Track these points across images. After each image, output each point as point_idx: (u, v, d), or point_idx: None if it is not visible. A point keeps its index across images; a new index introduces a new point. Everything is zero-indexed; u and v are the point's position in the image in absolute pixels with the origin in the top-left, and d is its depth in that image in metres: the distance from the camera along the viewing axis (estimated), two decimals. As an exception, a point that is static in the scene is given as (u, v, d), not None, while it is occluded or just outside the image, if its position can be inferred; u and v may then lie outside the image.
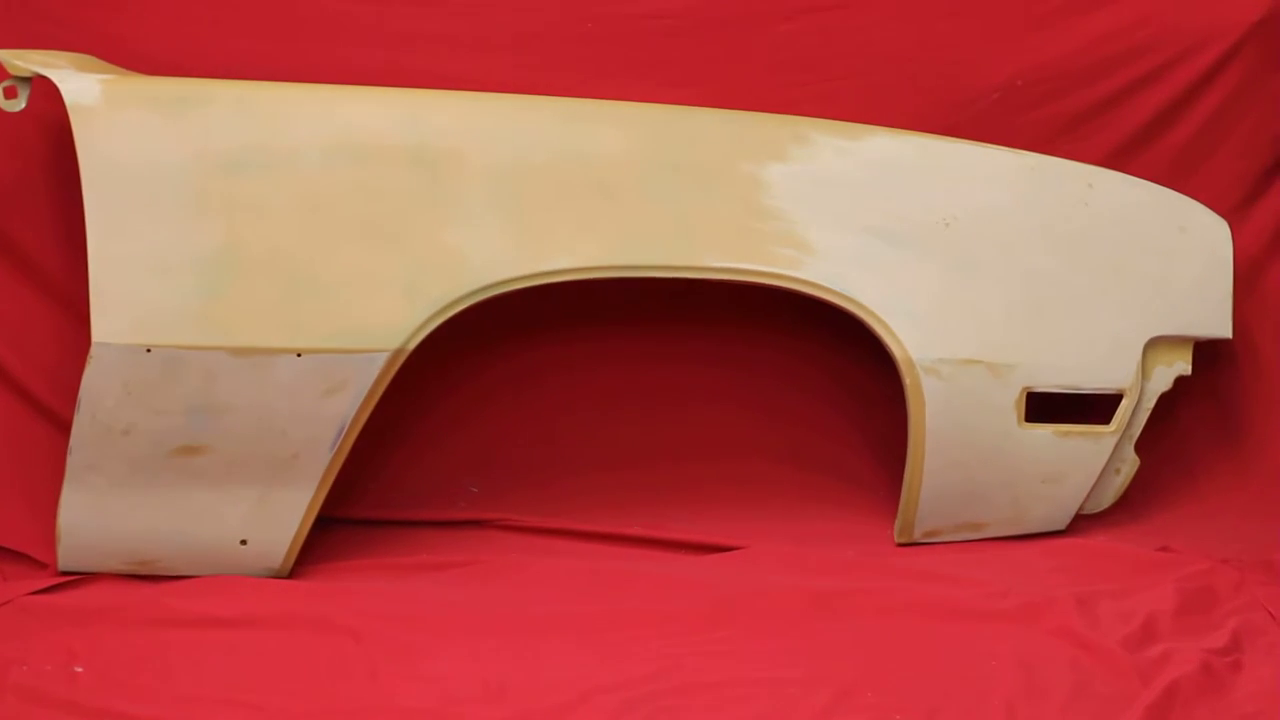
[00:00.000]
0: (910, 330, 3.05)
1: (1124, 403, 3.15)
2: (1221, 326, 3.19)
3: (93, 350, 2.81)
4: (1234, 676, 2.65)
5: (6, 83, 2.89)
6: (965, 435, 3.09)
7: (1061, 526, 3.21)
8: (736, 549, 3.13)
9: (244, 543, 2.96)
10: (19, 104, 2.89)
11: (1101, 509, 3.25)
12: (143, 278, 2.82)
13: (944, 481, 3.12)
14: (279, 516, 2.95)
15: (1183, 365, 3.19)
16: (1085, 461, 3.16)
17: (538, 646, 2.74)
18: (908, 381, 3.06)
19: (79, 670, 2.64)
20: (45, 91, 2.89)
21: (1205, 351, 3.26)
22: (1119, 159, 3.33)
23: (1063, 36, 3.35)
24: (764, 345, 3.43)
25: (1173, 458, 3.37)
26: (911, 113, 3.29)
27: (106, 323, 2.81)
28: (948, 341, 3.06)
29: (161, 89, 2.91)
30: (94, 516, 2.91)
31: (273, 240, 2.86)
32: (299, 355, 2.86)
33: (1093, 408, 3.16)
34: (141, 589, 2.91)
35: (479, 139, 2.96)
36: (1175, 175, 3.32)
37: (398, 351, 2.89)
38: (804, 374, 3.44)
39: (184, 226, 2.83)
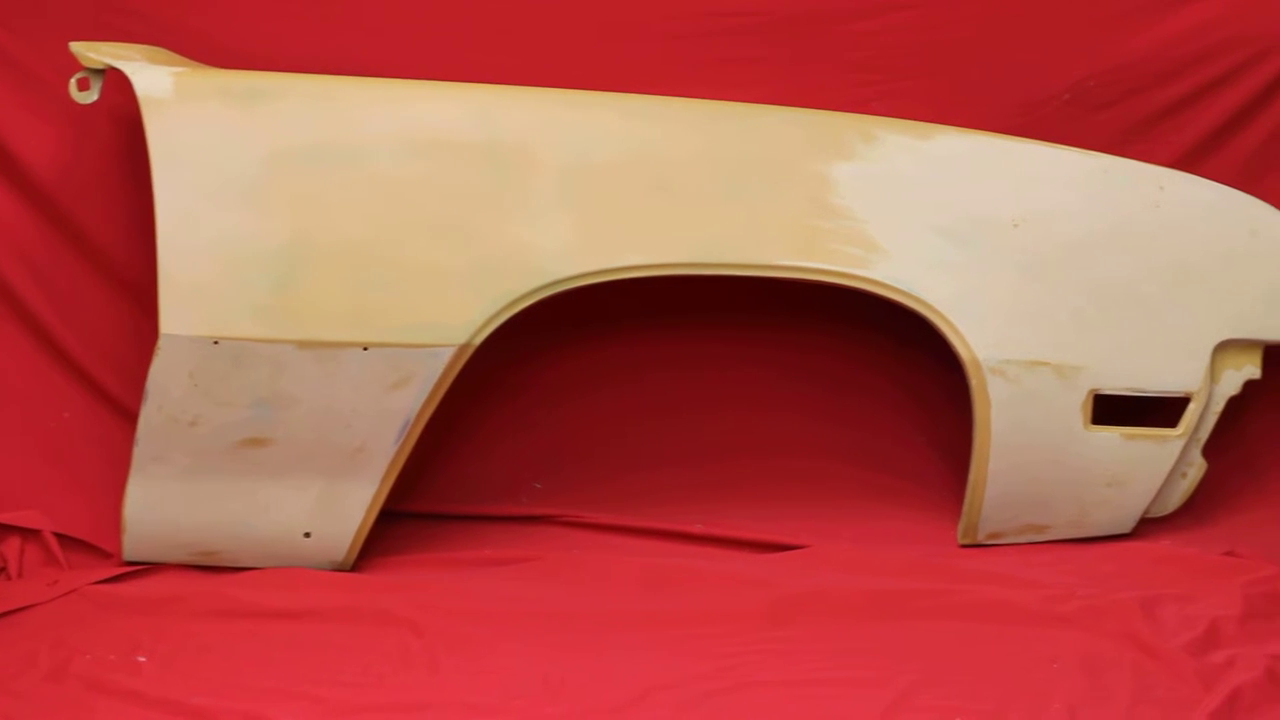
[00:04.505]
0: (977, 331, 3.03)
1: (1191, 406, 3.12)
2: (1292, 331, 3.17)
3: (160, 341, 2.83)
4: (1299, 683, 2.64)
5: (79, 75, 2.91)
6: (1030, 437, 3.08)
7: (1126, 530, 3.19)
8: (798, 548, 3.12)
9: (307, 535, 2.98)
10: (91, 96, 2.92)
11: (1167, 512, 3.22)
12: (211, 270, 2.83)
13: (1008, 483, 3.10)
14: (343, 509, 2.96)
15: (1252, 369, 3.16)
16: (1151, 465, 3.14)
17: (598, 643, 2.74)
18: (974, 382, 3.04)
19: (142, 660, 2.66)
20: (117, 84, 2.91)
21: (1275, 356, 3.23)
22: (1190, 161, 3.31)
23: (1135, 38, 3.33)
24: (828, 346, 3.42)
25: (1240, 461, 3.35)
26: (981, 112, 3.28)
27: (174, 314, 2.83)
28: (1014, 343, 3.04)
29: (232, 82, 2.91)
30: (159, 507, 2.93)
31: (341, 234, 2.87)
32: (365, 349, 2.87)
33: (1160, 411, 3.14)
34: (205, 580, 2.93)
35: (549, 135, 2.96)
36: (1247, 178, 3.29)
37: (464, 346, 2.89)
38: (868, 374, 3.44)
39: (253, 219, 2.85)
